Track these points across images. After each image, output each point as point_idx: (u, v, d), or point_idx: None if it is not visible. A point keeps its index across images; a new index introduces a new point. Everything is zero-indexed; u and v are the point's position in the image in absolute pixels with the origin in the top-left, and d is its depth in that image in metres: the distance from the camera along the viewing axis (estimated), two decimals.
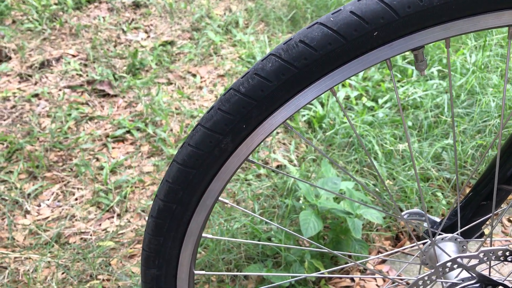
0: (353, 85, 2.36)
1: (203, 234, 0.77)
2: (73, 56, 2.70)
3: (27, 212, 1.82)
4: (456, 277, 0.85)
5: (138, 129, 2.22)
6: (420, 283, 0.84)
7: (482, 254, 0.81)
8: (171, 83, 2.53)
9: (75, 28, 2.87)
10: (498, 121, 1.99)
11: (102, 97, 2.44)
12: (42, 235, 1.72)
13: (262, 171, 1.92)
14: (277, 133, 2.15)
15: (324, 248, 0.85)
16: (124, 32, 2.93)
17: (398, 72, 2.42)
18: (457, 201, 0.91)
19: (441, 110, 2.11)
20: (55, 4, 3.07)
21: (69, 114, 2.27)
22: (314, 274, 0.86)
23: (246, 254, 1.58)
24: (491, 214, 0.95)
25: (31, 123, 2.22)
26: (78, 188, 1.92)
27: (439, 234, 0.92)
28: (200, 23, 2.99)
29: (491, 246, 0.87)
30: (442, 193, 1.79)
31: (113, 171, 1.99)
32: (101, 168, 2.01)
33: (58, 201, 1.88)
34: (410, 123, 2.07)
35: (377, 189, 1.80)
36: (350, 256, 1.55)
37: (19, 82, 2.50)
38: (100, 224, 1.78)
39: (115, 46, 2.80)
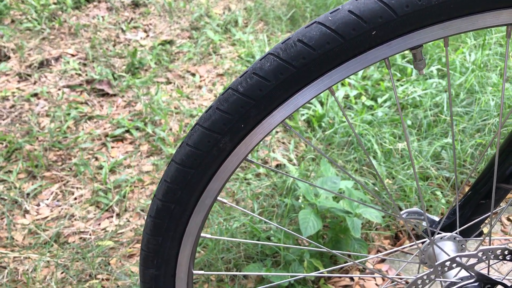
0: (352, 84, 2.36)
1: (202, 234, 0.76)
2: (72, 55, 2.70)
3: (26, 211, 1.82)
4: (455, 276, 0.85)
5: (137, 129, 2.22)
6: (419, 283, 0.84)
7: (481, 253, 0.81)
8: (170, 82, 2.53)
9: (74, 28, 2.87)
10: (498, 119, 1.99)
11: (101, 96, 2.44)
12: (41, 234, 1.71)
13: (262, 170, 1.92)
14: (277, 132, 2.15)
15: (323, 247, 0.85)
16: (123, 31, 2.92)
17: (397, 71, 2.42)
18: (456, 200, 0.91)
19: (441, 109, 2.11)
20: (54, 3, 3.07)
21: (68, 114, 2.27)
22: (313, 274, 0.86)
23: (246, 254, 1.58)
24: (490, 213, 0.95)
25: (30, 122, 2.22)
26: (77, 188, 1.92)
27: (438, 233, 0.92)
28: (199, 22, 2.99)
29: (490, 245, 0.87)
30: (442, 192, 1.79)
31: (112, 171, 1.99)
32: (100, 167, 2.01)
33: (57, 201, 1.88)
34: (409, 122, 2.07)
35: (376, 188, 1.80)
36: (349, 256, 1.55)
37: (18, 81, 2.50)
38: (99, 224, 1.78)
39: (114, 45, 2.80)
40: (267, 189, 1.80)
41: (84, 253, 1.63)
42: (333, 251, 0.84)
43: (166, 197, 0.70)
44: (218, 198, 0.72)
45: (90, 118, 2.29)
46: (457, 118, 2.06)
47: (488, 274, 0.83)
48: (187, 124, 2.21)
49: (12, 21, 2.91)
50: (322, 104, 2.23)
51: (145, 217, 1.78)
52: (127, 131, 2.20)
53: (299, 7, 3.08)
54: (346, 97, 2.29)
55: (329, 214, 1.58)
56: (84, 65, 2.63)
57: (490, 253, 0.81)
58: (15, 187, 1.90)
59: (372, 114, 2.12)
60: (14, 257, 1.64)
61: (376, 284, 1.56)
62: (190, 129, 0.67)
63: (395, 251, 1.67)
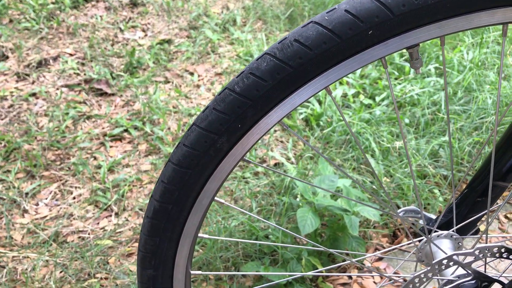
0: (350, 83, 2.36)
1: (199, 234, 0.76)
2: (71, 55, 2.70)
3: (25, 211, 1.83)
4: (452, 274, 0.85)
5: (136, 128, 2.22)
6: (417, 281, 0.84)
7: (478, 251, 0.81)
8: (169, 82, 2.53)
9: (73, 27, 2.87)
10: (495, 117, 1.99)
11: (100, 96, 2.44)
12: (40, 234, 1.72)
13: (260, 169, 1.92)
14: (275, 131, 2.15)
15: (320, 246, 0.85)
16: (121, 31, 2.93)
17: (395, 70, 2.43)
18: (453, 198, 0.91)
19: (438, 108, 2.11)
20: (52, 3, 3.07)
21: (67, 113, 2.27)
22: (311, 273, 0.86)
23: (244, 252, 1.58)
24: (486, 211, 0.96)
25: (29, 122, 2.22)
26: (76, 187, 1.93)
27: (435, 231, 0.92)
28: (197, 22, 2.99)
29: (486, 242, 0.87)
30: (439, 190, 1.80)
31: (110, 170, 2.00)
32: (99, 167, 2.01)
33: (56, 200, 1.88)
34: (407, 121, 2.08)
35: (374, 187, 1.80)
36: (347, 254, 1.56)
37: (17, 81, 2.50)
38: (98, 223, 1.78)
39: (112, 45, 2.80)
40: (265, 188, 1.80)
41: (83, 252, 1.63)
42: (331, 250, 0.85)
43: (163, 198, 0.70)
44: (216, 198, 0.72)
45: (88, 117, 2.29)
46: (455, 116, 2.06)
47: (485, 271, 0.84)
48: (185, 123, 2.22)
49: (10, 21, 2.91)
50: (320, 103, 2.24)
51: (143, 216, 1.78)
52: (126, 130, 2.21)
53: (297, 6, 3.08)
54: (344, 95, 2.30)
55: (327, 212, 1.58)
56: (83, 64, 2.63)
57: (487, 251, 0.81)
58: (14, 187, 1.90)
59: (370, 113, 2.13)
60: (13, 257, 1.64)
61: (374, 282, 1.56)
62: (187, 130, 0.67)
63: (393, 249, 1.67)
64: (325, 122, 2.12)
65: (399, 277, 1.33)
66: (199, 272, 0.82)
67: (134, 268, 1.59)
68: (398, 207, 1.74)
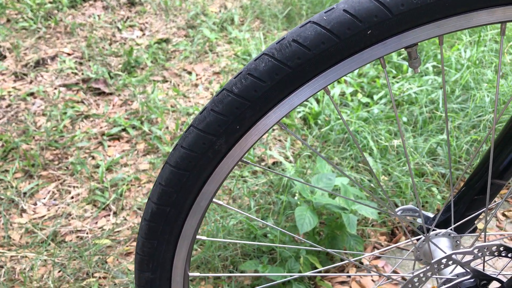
0: (348, 82, 2.36)
1: (198, 236, 0.76)
2: (68, 54, 2.69)
3: (23, 210, 1.82)
4: (451, 272, 0.85)
5: (134, 127, 2.22)
6: (416, 280, 0.84)
7: (477, 250, 0.81)
8: (167, 81, 2.53)
9: (70, 27, 2.87)
10: (493, 116, 2.00)
11: (98, 95, 2.44)
12: (38, 233, 1.72)
13: (258, 168, 1.92)
14: (273, 130, 2.15)
15: (318, 246, 0.85)
16: (119, 30, 2.92)
17: (393, 68, 2.43)
18: (451, 196, 0.92)
19: (436, 106, 2.12)
20: (50, 2, 3.06)
21: (65, 113, 2.27)
22: (309, 273, 0.86)
23: (242, 251, 1.58)
24: (484, 209, 0.96)
25: (27, 122, 2.22)
26: (74, 187, 1.92)
27: (433, 230, 0.92)
28: (195, 21, 2.99)
29: (485, 241, 0.87)
30: (437, 188, 1.80)
31: (109, 169, 2.00)
32: (97, 166, 2.01)
33: (54, 200, 1.88)
34: (405, 119, 2.08)
35: (372, 185, 1.80)
36: (345, 254, 1.56)
37: (14, 81, 2.50)
38: (96, 222, 1.78)
39: (110, 44, 2.80)
40: (263, 187, 1.80)
41: (81, 252, 1.63)
42: (328, 250, 0.84)
43: (161, 200, 0.69)
44: (214, 200, 0.71)
45: (86, 117, 2.29)
46: (453, 114, 2.06)
47: (483, 270, 0.84)
48: (184, 123, 2.22)
49: (8, 20, 2.91)
50: (318, 101, 2.24)
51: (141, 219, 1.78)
52: (124, 129, 2.21)
53: (295, 5, 3.08)
54: (342, 94, 2.30)
55: (325, 211, 1.58)
56: (80, 64, 2.63)
57: (485, 250, 0.81)
58: (12, 187, 1.90)
59: (368, 111, 2.13)
60: (11, 256, 1.64)
61: (373, 280, 1.56)
62: (185, 131, 0.66)
63: (391, 247, 1.68)
64: (323, 121, 2.12)
65: (397, 276, 1.33)
66: (197, 274, 0.82)
67: (132, 267, 1.59)
68: (396, 206, 1.74)
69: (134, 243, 1.69)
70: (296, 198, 1.64)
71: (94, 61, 2.63)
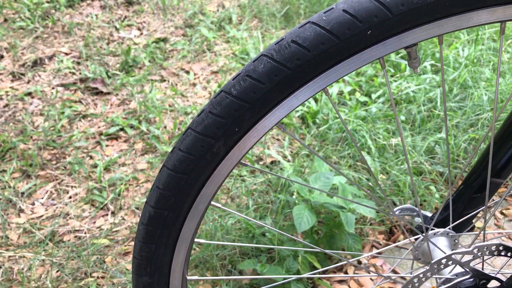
0: (346, 80, 2.36)
1: (196, 239, 0.75)
2: (66, 54, 2.69)
3: (21, 210, 1.82)
4: (450, 272, 0.85)
5: (132, 127, 2.21)
6: (416, 281, 0.84)
7: (476, 249, 0.81)
8: (165, 80, 2.53)
9: (68, 26, 2.86)
10: (491, 114, 2.00)
11: (95, 95, 2.44)
12: (36, 233, 1.71)
13: (256, 166, 1.92)
14: (271, 129, 2.15)
15: (316, 247, 0.84)
16: (117, 29, 2.92)
17: (391, 67, 2.43)
18: (450, 194, 0.91)
19: (434, 104, 2.12)
20: (47, 2, 3.06)
21: (62, 112, 2.27)
22: (306, 275, 0.86)
23: (241, 250, 1.58)
24: (483, 207, 0.96)
25: (24, 121, 2.22)
26: (72, 186, 1.92)
27: (431, 229, 0.92)
28: (193, 20, 2.99)
29: (484, 240, 0.87)
30: (435, 187, 1.80)
31: (107, 169, 1.99)
32: (95, 166, 2.00)
33: (52, 200, 1.87)
34: (403, 118, 2.08)
35: (370, 183, 1.80)
36: (344, 255, 1.56)
37: (12, 80, 2.49)
38: (94, 222, 1.78)
39: (108, 43, 2.79)
40: (261, 186, 1.80)
41: (79, 252, 1.63)
42: (326, 250, 0.84)
43: (159, 204, 0.68)
44: (212, 202, 0.70)
45: (84, 116, 2.28)
46: (451, 113, 2.06)
47: (482, 269, 0.84)
48: (182, 122, 2.21)
49: (5, 20, 2.90)
50: (316, 100, 2.24)
51: (140, 215, 1.78)
52: (122, 129, 2.20)
53: (293, 4, 3.08)
54: (340, 93, 2.30)
55: (323, 210, 1.58)
56: (78, 63, 2.62)
57: (485, 249, 0.81)
58: (10, 186, 1.90)
59: (366, 110, 2.13)
60: (9, 256, 1.64)
61: (371, 279, 1.56)
62: (182, 134, 0.65)
63: (389, 247, 1.68)
64: (321, 120, 2.12)
65: (396, 276, 1.33)
66: (196, 277, 0.81)
67: (130, 266, 1.59)
68: (395, 204, 1.74)
69: (132, 243, 1.69)
70: (294, 197, 1.64)
71: (91, 60, 2.62)
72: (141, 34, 2.90)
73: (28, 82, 2.48)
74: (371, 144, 1.91)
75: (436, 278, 0.86)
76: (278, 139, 2.10)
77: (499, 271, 0.94)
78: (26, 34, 2.80)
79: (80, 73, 2.53)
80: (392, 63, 2.44)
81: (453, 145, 1.90)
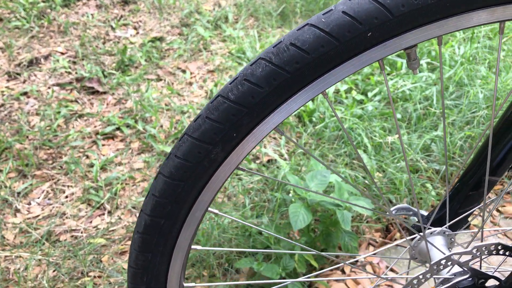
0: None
1: (193, 246, 0.74)
2: (62, 53, 2.68)
3: (17, 210, 1.82)
4: (448, 272, 0.85)
5: (128, 126, 2.21)
6: (415, 282, 0.84)
7: (476, 249, 0.81)
8: (161, 79, 2.52)
9: (64, 26, 2.86)
10: (486, 112, 2.01)
11: (92, 94, 2.43)
12: (32, 233, 1.71)
13: (253, 165, 1.92)
14: (269, 133, 2.15)
15: (312, 250, 0.84)
16: (113, 28, 2.91)
17: (387, 65, 2.43)
18: (447, 193, 0.91)
19: (430, 102, 2.12)
20: (43, 1, 3.05)
21: (58, 112, 2.26)
22: (302, 279, 0.86)
23: (237, 248, 1.58)
24: (479, 206, 0.96)
25: (20, 121, 2.21)
26: (68, 186, 1.92)
27: (428, 228, 0.92)
28: (189, 19, 2.98)
29: (482, 239, 0.87)
30: (432, 184, 1.80)
31: (103, 168, 1.99)
32: (91, 165, 2.00)
33: (48, 199, 1.87)
34: (399, 116, 2.08)
35: (366, 181, 1.81)
36: (340, 253, 1.56)
37: (7, 80, 2.49)
38: (90, 221, 1.78)
39: (104, 43, 2.79)
40: (258, 184, 1.80)
41: (76, 251, 1.63)
42: (322, 253, 0.84)
43: (155, 212, 0.67)
44: (209, 209, 0.69)
45: (80, 116, 2.28)
46: (447, 111, 2.07)
47: (480, 268, 0.84)
48: (178, 121, 2.21)
49: (0, 20, 2.89)
50: (312, 99, 2.23)
51: (137, 214, 1.78)
52: (118, 128, 2.20)
53: (289, 3, 3.08)
54: (337, 91, 2.30)
55: (319, 208, 1.58)
56: (74, 63, 2.62)
57: (484, 249, 0.81)
58: (6, 186, 1.89)
59: (362, 108, 2.13)
60: (5, 256, 1.63)
61: (366, 272, 1.57)
62: (178, 140, 0.64)
63: (386, 244, 1.68)
64: (317, 118, 2.12)
65: (393, 277, 1.33)
66: (193, 284, 0.80)
67: (127, 266, 1.59)
68: (391, 202, 1.74)
69: (129, 242, 1.69)
70: (290, 195, 1.64)
71: (87, 60, 2.62)
72: (137, 33, 2.89)
73: (24, 81, 2.48)
74: (367, 142, 1.92)
75: (434, 278, 0.86)
76: (274, 138, 2.11)
77: (496, 269, 0.94)
78: (22, 34, 2.79)
79: (76, 73, 2.53)
80: (389, 61, 2.44)
81: (449, 143, 1.91)
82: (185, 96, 2.39)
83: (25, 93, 2.39)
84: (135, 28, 2.93)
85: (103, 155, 2.06)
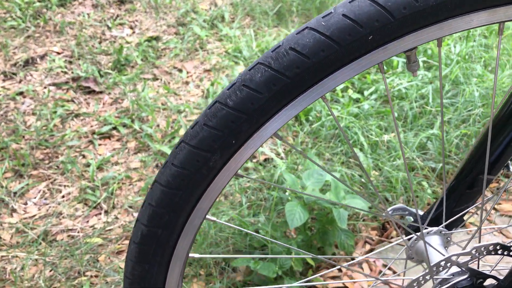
0: None
1: (190, 254, 0.72)
2: (58, 53, 2.68)
3: (14, 210, 1.81)
4: (446, 272, 0.85)
5: (124, 125, 2.21)
6: (415, 284, 0.83)
7: (474, 250, 0.81)
8: (157, 79, 2.52)
9: (60, 25, 2.85)
10: (482, 110, 2.01)
11: (88, 94, 2.43)
12: (29, 233, 1.71)
13: (250, 164, 1.92)
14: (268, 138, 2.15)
15: (308, 254, 0.83)
16: (109, 28, 2.91)
17: (384, 64, 2.43)
18: (444, 192, 0.91)
19: (426, 101, 2.13)
20: (39, 1, 3.04)
21: (55, 112, 2.26)
22: (298, 283, 0.85)
23: (234, 247, 1.58)
24: (476, 204, 0.96)
25: (16, 121, 2.21)
26: (64, 186, 1.91)
27: (425, 228, 0.92)
28: (185, 18, 2.98)
29: (480, 238, 0.87)
30: (428, 182, 1.81)
31: (99, 168, 1.99)
32: (88, 165, 2.00)
33: (45, 199, 1.87)
34: (395, 114, 2.09)
35: (363, 180, 1.81)
36: (336, 255, 1.56)
37: (3, 80, 2.48)
38: (87, 221, 1.78)
39: (100, 42, 2.78)
40: (255, 183, 1.81)
41: (73, 251, 1.62)
42: (318, 256, 0.83)
43: (152, 222, 0.65)
44: (207, 216, 0.68)
45: (76, 115, 2.28)
46: (443, 109, 2.07)
47: (478, 267, 0.84)
48: (175, 120, 2.21)
49: None
50: None
51: (134, 214, 1.78)
52: (114, 128, 2.20)
53: (285, 2, 3.08)
54: (333, 90, 2.30)
55: (316, 206, 1.59)
56: (70, 62, 2.61)
57: (483, 250, 0.81)
58: (2, 186, 1.89)
59: (359, 107, 2.13)
60: (2, 256, 1.63)
61: (364, 275, 1.57)
62: (175, 147, 0.62)
63: (382, 243, 1.68)
64: (314, 117, 2.13)
65: (391, 278, 1.33)
66: None
67: (123, 265, 1.59)
68: (387, 200, 1.75)
69: (126, 241, 1.69)
70: (287, 194, 1.64)
71: (84, 59, 2.61)
72: (133, 32, 2.89)
73: (20, 81, 2.47)
74: (363, 140, 1.92)
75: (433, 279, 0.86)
76: (271, 137, 2.10)
77: (494, 267, 0.94)
78: (18, 34, 2.78)
79: (72, 72, 2.53)
80: (385, 60, 2.44)
81: (445, 141, 1.91)
82: (182, 95, 2.39)
83: (21, 93, 2.39)
84: (131, 28, 2.93)
85: (100, 155, 2.06)
